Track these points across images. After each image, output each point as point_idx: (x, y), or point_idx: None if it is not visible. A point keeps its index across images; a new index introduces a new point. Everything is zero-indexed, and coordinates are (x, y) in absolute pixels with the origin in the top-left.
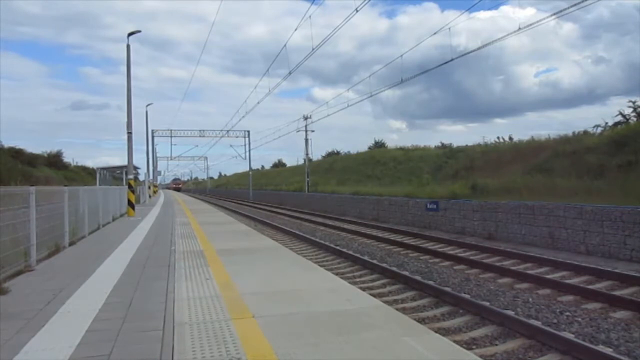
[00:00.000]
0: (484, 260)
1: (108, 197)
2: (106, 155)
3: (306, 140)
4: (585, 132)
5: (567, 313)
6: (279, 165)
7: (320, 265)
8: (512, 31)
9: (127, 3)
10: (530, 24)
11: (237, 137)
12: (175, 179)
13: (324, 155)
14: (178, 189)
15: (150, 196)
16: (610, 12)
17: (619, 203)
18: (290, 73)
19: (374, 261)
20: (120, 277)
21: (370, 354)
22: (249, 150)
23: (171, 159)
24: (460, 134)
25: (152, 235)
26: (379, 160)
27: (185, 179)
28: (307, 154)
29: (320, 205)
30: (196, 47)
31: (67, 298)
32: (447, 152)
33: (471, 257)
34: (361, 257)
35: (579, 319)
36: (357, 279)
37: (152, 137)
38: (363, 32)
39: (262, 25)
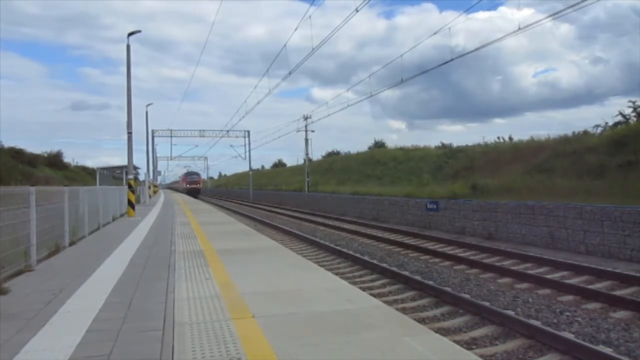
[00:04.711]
0: (484, 260)
1: (108, 197)
2: (106, 155)
3: (306, 140)
4: (585, 132)
5: (567, 313)
6: (279, 165)
7: (321, 265)
8: (511, 31)
9: (127, 3)
10: (529, 24)
11: (237, 137)
12: (189, 173)
13: (324, 155)
14: (195, 192)
15: (150, 196)
16: (606, 13)
17: (619, 203)
18: (290, 73)
19: (374, 261)
20: (120, 277)
21: (370, 354)
22: (249, 150)
23: (171, 159)
24: (460, 134)
25: (152, 235)
26: (379, 160)
27: None
28: (307, 154)
29: (320, 205)
30: (196, 47)
31: (67, 298)
32: (447, 152)
33: (471, 257)
34: (361, 257)
35: (579, 319)
36: (357, 279)
37: (152, 137)
38: (362, 33)
39: (261, 25)
